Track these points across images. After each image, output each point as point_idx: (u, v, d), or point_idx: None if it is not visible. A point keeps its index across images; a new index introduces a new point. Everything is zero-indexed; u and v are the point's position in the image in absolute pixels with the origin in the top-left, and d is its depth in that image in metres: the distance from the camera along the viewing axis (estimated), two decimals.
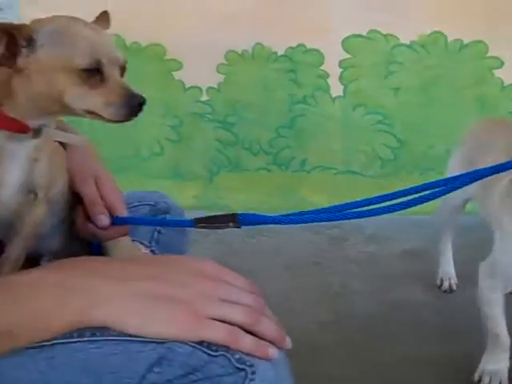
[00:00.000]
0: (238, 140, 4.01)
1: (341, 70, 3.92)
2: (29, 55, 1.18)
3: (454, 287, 2.89)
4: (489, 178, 1.90)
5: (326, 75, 3.92)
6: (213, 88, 3.96)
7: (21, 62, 1.17)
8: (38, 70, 1.19)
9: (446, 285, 2.89)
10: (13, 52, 1.16)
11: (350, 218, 1.65)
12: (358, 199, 1.74)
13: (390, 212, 1.63)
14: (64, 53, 1.20)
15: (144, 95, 1.23)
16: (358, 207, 1.70)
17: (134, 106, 1.22)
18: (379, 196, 1.77)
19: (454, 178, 1.89)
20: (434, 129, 3.90)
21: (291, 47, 3.89)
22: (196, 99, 3.98)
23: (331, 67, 3.90)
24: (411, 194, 1.79)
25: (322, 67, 3.91)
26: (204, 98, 3.98)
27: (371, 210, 1.69)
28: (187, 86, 3.96)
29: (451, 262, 2.94)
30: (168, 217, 1.72)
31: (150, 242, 1.74)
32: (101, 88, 1.22)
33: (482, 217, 2.40)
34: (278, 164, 4.03)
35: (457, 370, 2.27)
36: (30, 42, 1.18)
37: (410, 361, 2.34)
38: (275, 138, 3.99)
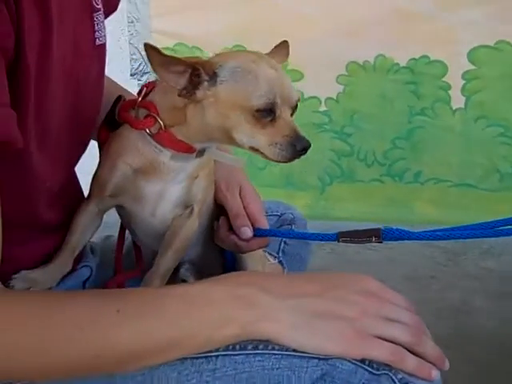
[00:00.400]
0: (353, 151, 3.98)
1: (464, 81, 3.81)
2: (209, 89, 1.22)
3: None
4: None
5: (447, 87, 3.82)
6: (331, 98, 3.95)
7: (200, 94, 1.22)
8: (214, 104, 1.23)
9: None
10: (194, 84, 1.21)
11: (500, 236, 1.64)
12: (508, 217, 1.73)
13: None
14: (243, 91, 1.23)
15: (309, 139, 1.26)
16: (507, 224, 1.69)
17: (298, 149, 1.24)
18: None
19: None
20: None
21: (414, 58, 3.82)
22: (314, 109, 3.97)
23: (453, 78, 3.80)
24: None
25: (444, 79, 3.82)
26: (322, 108, 3.97)
27: None
28: (306, 96, 3.96)
29: None
30: (293, 228, 1.75)
31: (277, 253, 1.78)
32: (269, 128, 1.25)
33: None
34: (392, 175, 3.96)
35: None
36: (212, 76, 1.22)
37: None
38: (391, 150, 3.93)
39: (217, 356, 0.97)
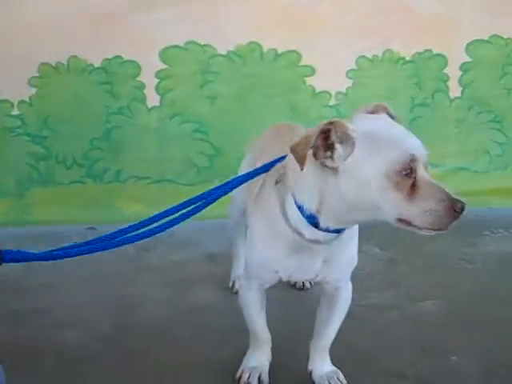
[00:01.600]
0: (50, 153, 3.91)
1: (157, 80, 3.89)
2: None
3: None
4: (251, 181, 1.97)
5: (142, 86, 3.88)
6: (24, 102, 3.84)
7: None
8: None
9: (237, 286, 2.87)
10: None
11: (115, 247, 1.78)
12: (135, 223, 1.81)
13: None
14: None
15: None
16: (130, 232, 1.78)
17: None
18: (147, 219, 1.86)
19: (225, 184, 1.97)
20: (249, 136, 3.92)
21: (107, 59, 3.83)
22: (6, 113, 3.84)
23: (147, 78, 3.87)
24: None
25: (138, 78, 3.87)
26: (15, 111, 3.85)
27: (140, 233, 1.78)
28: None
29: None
30: None
31: None
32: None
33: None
34: (93, 176, 3.96)
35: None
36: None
37: (190, 363, 2.34)
38: (90, 150, 3.93)
39: None
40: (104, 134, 3.92)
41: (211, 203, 1.93)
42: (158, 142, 3.96)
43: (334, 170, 1.64)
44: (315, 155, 1.64)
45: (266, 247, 1.93)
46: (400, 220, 1.58)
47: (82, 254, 1.61)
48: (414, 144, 1.58)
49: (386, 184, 1.55)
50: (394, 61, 4.09)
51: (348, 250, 1.97)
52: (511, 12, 4.12)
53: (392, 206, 1.55)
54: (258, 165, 2.06)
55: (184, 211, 1.91)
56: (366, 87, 4.08)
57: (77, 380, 2.24)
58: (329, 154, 1.63)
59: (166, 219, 1.91)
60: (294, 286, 2.95)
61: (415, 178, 1.43)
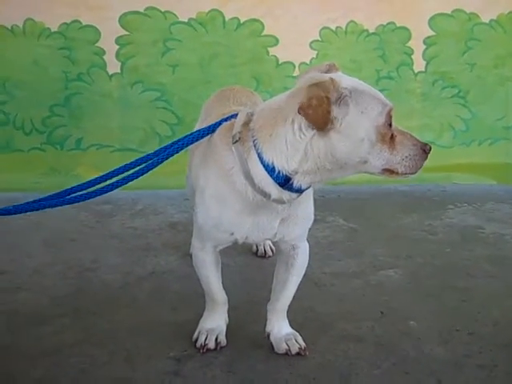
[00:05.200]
0: (8, 119, 3.83)
1: (118, 46, 3.81)
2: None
3: None
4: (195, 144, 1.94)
5: (102, 52, 3.80)
6: None
7: None
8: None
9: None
10: None
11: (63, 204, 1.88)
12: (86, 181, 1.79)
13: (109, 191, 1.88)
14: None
15: None
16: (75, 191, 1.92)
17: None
18: (96, 178, 1.85)
19: (175, 142, 1.95)
20: None
21: (66, 23, 3.74)
22: None
23: (108, 44, 3.79)
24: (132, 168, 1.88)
25: (97, 44, 3.79)
26: None
27: (87, 193, 1.78)
28: None
29: None
30: None
31: None
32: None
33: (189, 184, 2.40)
34: (53, 143, 3.88)
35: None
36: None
37: (147, 326, 2.30)
38: (49, 117, 3.86)
39: None
40: (64, 100, 3.85)
41: (161, 162, 1.95)
42: (119, 109, 3.90)
43: (326, 131, 1.64)
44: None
45: (220, 208, 1.89)
46: (384, 170, 1.67)
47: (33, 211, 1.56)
48: (384, 96, 1.69)
49: (375, 138, 1.64)
50: (357, 33, 4.07)
51: (306, 206, 1.95)
52: None
53: (379, 157, 1.64)
54: (202, 125, 2.04)
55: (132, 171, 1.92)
56: (330, 59, 3.96)
57: (30, 341, 2.18)
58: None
59: (118, 177, 1.94)
60: (255, 253, 2.92)
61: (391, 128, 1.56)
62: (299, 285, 2.13)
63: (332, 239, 3.20)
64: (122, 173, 1.95)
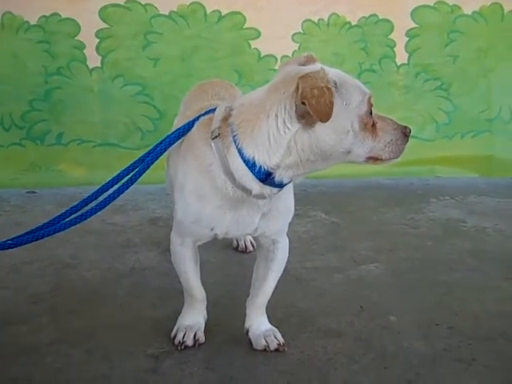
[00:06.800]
0: None
1: (98, 40, 3.78)
2: None
3: None
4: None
5: (82, 46, 3.76)
6: None
7: None
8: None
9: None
10: None
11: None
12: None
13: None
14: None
15: None
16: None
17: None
18: (87, 197, 1.86)
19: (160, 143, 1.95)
20: None
21: (45, 16, 3.70)
22: None
23: (88, 37, 3.75)
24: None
25: (77, 37, 3.75)
26: None
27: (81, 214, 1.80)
28: None
29: None
30: None
31: None
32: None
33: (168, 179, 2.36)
34: (33, 138, 3.85)
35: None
36: None
37: (125, 322, 2.28)
38: (29, 112, 3.82)
39: None
40: (43, 95, 3.82)
41: (149, 166, 1.98)
42: (100, 104, 3.87)
43: (311, 124, 1.63)
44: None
45: (200, 204, 1.87)
46: (368, 158, 1.68)
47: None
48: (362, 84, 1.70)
49: (358, 127, 1.65)
50: (339, 25, 4.05)
51: (286, 200, 1.94)
52: None
53: (363, 146, 1.65)
54: (182, 120, 2.05)
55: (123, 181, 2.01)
56: (312, 51, 3.98)
57: (5, 339, 2.15)
58: None
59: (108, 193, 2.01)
60: (236, 248, 2.91)
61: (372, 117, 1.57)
62: (279, 280, 2.11)
63: (313, 234, 3.19)
64: (112, 186, 2.01)
